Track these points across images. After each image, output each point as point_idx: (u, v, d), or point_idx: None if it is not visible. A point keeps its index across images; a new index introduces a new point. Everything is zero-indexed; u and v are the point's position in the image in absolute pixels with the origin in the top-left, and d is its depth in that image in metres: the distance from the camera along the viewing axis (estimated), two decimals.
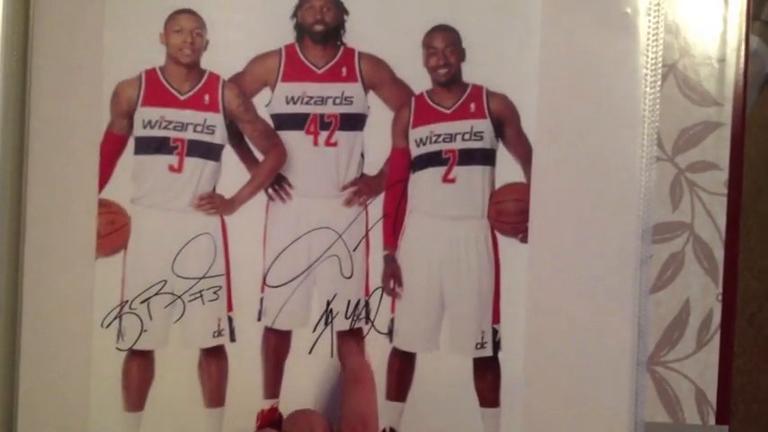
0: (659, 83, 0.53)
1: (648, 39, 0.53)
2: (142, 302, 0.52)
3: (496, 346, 0.54)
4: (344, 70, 0.54)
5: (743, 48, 0.53)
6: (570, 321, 0.53)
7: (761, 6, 0.62)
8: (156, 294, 0.53)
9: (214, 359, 0.53)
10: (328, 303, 0.54)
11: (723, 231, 0.53)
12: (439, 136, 0.54)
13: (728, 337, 0.53)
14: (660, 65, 0.53)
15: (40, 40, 0.51)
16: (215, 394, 0.53)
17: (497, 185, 0.54)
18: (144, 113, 0.52)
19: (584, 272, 0.53)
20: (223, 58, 0.53)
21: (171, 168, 0.53)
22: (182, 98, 0.53)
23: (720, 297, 0.53)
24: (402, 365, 0.54)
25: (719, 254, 0.53)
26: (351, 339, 0.53)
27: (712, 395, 0.53)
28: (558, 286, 0.53)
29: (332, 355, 0.54)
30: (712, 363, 0.53)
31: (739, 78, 0.53)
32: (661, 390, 0.53)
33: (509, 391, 0.53)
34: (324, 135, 0.54)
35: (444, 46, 0.53)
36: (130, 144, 0.52)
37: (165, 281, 0.53)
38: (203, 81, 0.53)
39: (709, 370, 0.53)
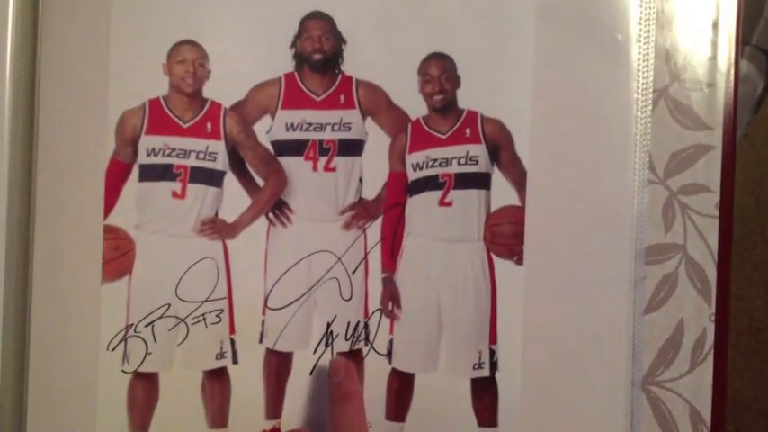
0: (650, 107, 0.53)
1: (639, 64, 0.53)
2: (147, 326, 0.53)
3: (494, 366, 0.54)
4: (342, 97, 0.55)
5: (732, 72, 0.54)
6: (565, 342, 0.53)
7: (750, 31, 0.63)
8: (161, 318, 0.54)
9: (217, 381, 0.54)
10: (328, 325, 0.55)
11: (715, 252, 0.54)
12: (435, 161, 0.55)
13: (722, 356, 0.54)
14: (651, 90, 0.53)
15: (47, 71, 0.53)
16: (218, 415, 0.54)
17: (493, 208, 0.55)
18: (148, 141, 0.54)
19: (579, 293, 0.54)
20: (224, 87, 0.54)
21: (174, 195, 0.54)
22: (184, 126, 0.54)
23: (713, 317, 0.54)
24: (401, 386, 0.55)
25: (712, 274, 0.54)
26: (340, 358, 0.54)
27: (707, 414, 0.54)
28: (553, 307, 0.54)
29: None
30: (706, 382, 0.54)
31: (729, 103, 0.53)
32: (656, 409, 0.54)
33: (507, 410, 0.54)
34: (323, 161, 0.55)
35: (440, 73, 0.54)
36: (135, 171, 0.54)
37: (169, 304, 0.54)
38: (205, 109, 0.54)
39: (703, 389, 0.54)
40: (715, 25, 0.54)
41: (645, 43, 0.53)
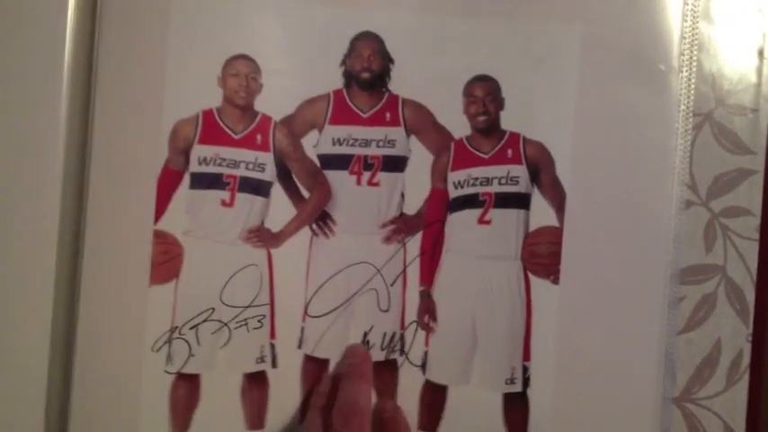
0: (690, 134, 0.52)
1: (681, 93, 0.51)
2: (191, 328, 0.52)
3: (526, 382, 0.52)
4: (388, 115, 0.53)
5: None
6: (599, 360, 0.51)
7: None
8: (205, 321, 0.52)
9: (256, 384, 0.52)
10: (365, 334, 0.53)
11: (754, 274, 0.52)
12: (476, 179, 0.53)
13: (758, 376, 0.51)
14: (691, 117, 0.52)
15: (103, 80, 0.51)
16: (256, 417, 0.52)
17: (531, 228, 0.52)
18: (200, 151, 0.52)
19: (614, 314, 0.51)
20: (275, 101, 0.53)
21: (223, 203, 0.52)
22: (235, 137, 0.53)
23: (750, 338, 0.52)
24: (434, 397, 0.52)
25: (750, 296, 0.52)
26: (359, 345, 0.53)
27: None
28: (587, 327, 0.51)
29: None
30: (741, 401, 0.51)
31: None
32: (691, 426, 0.51)
33: (538, 426, 0.51)
34: (367, 175, 0.53)
35: (484, 95, 0.52)
36: (186, 179, 0.52)
37: (213, 309, 0.52)
38: (256, 122, 0.53)
39: (738, 408, 0.51)
40: (760, 52, 0.52)
41: (687, 72, 0.51)
